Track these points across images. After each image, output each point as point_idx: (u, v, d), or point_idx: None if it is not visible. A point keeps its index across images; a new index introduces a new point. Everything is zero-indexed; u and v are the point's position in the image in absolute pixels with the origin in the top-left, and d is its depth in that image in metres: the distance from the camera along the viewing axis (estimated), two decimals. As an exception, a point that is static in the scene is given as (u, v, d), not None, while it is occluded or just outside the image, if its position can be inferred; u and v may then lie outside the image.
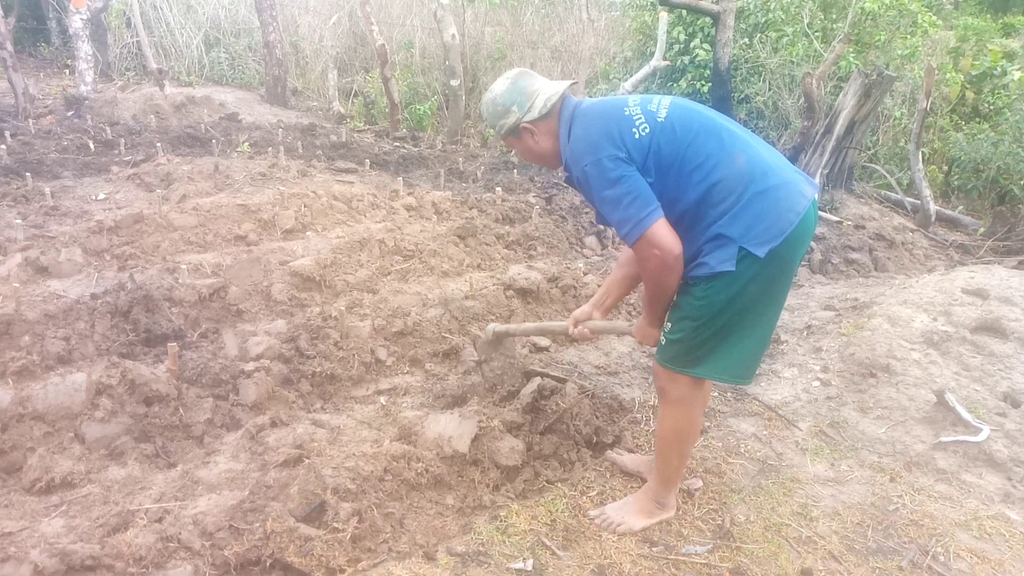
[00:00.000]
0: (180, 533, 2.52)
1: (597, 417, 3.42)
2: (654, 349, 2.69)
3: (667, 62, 9.95)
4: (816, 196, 2.47)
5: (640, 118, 2.41)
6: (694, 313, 2.44)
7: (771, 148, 2.54)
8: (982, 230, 8.18)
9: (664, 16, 9.40)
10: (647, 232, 2.32)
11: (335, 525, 2.60)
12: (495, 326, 3.43)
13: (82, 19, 9.28)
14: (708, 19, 10.06)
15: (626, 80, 9.84)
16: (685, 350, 2.52)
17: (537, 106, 2.54)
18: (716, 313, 2.41)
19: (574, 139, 2.48)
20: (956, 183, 9.43)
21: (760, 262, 2.33)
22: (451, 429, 3.06)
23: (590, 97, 11.90)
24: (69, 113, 8.79)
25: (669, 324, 2.55)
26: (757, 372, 2.67)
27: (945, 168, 9.64)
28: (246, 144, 7.80)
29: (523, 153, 2.69)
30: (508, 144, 2.73)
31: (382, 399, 3.65)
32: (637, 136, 2.38)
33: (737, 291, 2.37)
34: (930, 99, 8.18)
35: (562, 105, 2.57)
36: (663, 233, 2.33)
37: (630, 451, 3.27)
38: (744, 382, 2.66)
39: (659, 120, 2.41)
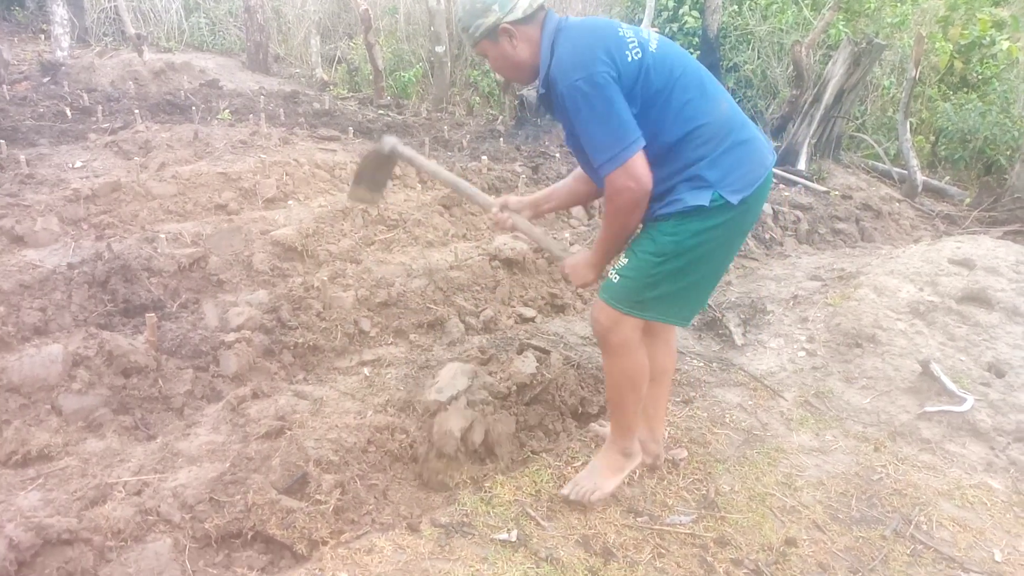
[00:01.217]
0: (159, 506, 2.49)
1: (582, 388, 3.40)
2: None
3: (655, 29, 9.83)
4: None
5: (633, 41, 2.31)
6: (659, 248, 2.38)
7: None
8: (968, 200, 8.19)
9: (653, -18, 9.28)
10: (628, 162, 2.25)
11: (317, 497, 2.58)
12: (397, 144, 2.91)
13: (57, -18, 9.02)
14: (697, -14, 9.94)
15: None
16: (638, 288, 2.44)
17: (521, 6, 2.36)
18: (681, 252, 2.37)
19: (562, 52, 2.31)
20: (943, 153, 9.42)
21: (732, 208, 2.33)
22: (452, 423, 2.95)
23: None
24: (45, 79, 8.58)
25: (625, 260, 2.47)
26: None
27: (932, 138, 9.63)
28: (227, 111, 7.65)
29: (496, 61, 2.50)
30: (480, 51, 2.51)
31: (366, 370, 3.61)
32: (630, 59, 2.28)
33: (706, 232, 2.35)
34: (919, 68, 8.13)
35: (546, 17, 2.43)
36: (642, 166, 2.27)
37: None
38: (685, 324, 2.66)
39: (651, 49, 2.33)
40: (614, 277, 2.49)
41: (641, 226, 2.48)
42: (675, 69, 2.34)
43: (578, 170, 2.78)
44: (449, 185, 2.92)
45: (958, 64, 9.72)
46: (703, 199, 2.30)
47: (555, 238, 2.80)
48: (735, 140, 2.35)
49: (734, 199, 2.31)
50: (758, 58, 9.76)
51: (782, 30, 9.67)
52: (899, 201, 7.80)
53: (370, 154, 3.03)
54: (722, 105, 2.38)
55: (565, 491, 2.74)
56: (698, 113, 2.33)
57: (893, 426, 3.36)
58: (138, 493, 2.58)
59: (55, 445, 2.85)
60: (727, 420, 3.39)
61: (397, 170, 5.96)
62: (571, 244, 4.82)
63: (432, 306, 4.11)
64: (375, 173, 3.09)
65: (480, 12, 2.38)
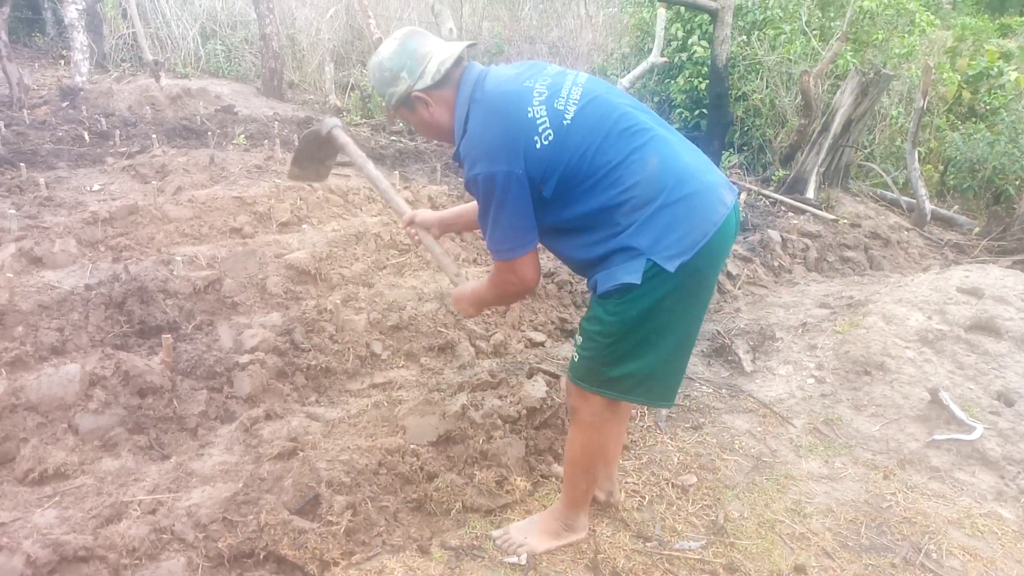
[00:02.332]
0: (173, 525, 2.52)
1: (592, 412, 3.41)
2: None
3: (664, 59, 9.94)
4: (738, 200, 2.30)
5: (544, 122, 2.15)
6: (606, 329, 2.24)
7: (690, 146, 2.30)
8: (977, 230, 8.19)
9: (662, 12, 9.39)
10: (514, 261, 2.24)
11: (329, 518, 2.60)
12: (336, 127, 2.89)
13: (78, 9, 9.22)
14: (706, 16, 10.05)
15: (623, 76, 9.82)
16: (597, 368, 2.31)
17: (430, 71, 2.24)
18: (629, 330, 2.21)
19: (470, 132, 2.20)
20: (952, 183, 9.44)
21: (671, 276, 2.12)
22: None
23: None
24: (64, 104, 8.74)
25: (580, 338, 2.36)
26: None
27: (941, 168, 9.66)
28: (242, 136, 7.77)
29: (418, 128, 2.40)
30: (400, 117, 2.40)
31: (377, 393, 3.64)
32: (539, 145, 2.14)
33: (650, 306, 2.16)
34: (927, 98, 8.18)
35: (463, 76, 2.28)
36: (528, 266, 2.26)
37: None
38: (665, 404, 2.43)
39: (565, 123, 2.15)
40: (575, 356, 2.39)
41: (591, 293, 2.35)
42: (595, 135, 2.16)
43: None
44: (372, 182, 2.87)
45: (966, 94, 9.78)
46: (635, 275, 2.12)
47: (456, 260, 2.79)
48: (668, 199, 2.12)
49: (670, 266, 2.10)
50: (767, 87, 9.84)
51: (790, 60, 9.76)
52: (908, 230, 7.82)
53: (309, 134, 2.97)
54: (651, 161, 2.14)
55: (496, 533, 2.68)
56: (622, 177, 2.14)
57: (902, 454, 3.36)
58: (153, 512, 2.61)
59: (71, 463, 2.89)
60: (736, 446, 3.40)
61: (409, 194, 6.03)
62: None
63: (443, 330, 4.15)
64: (316, 152, 3.04)
65: (390, 81, 2.28)
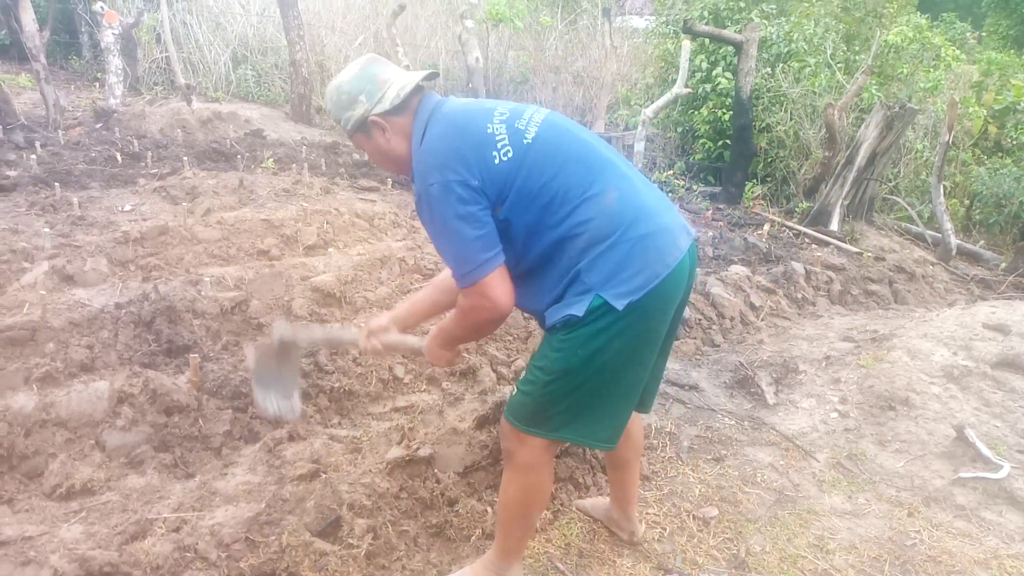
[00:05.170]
0: (197, 543, 2.54)
1: (613, 441, 3.41)
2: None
3: (688, 90, 9.99)
4: (694, 244, 2.23)
5: (503, 139, 2.09)
6: (549, 366, 2.14)
7: (650, 185, 2.25)
8: (1004, 265, 8.12)
9: (687, 44, 9.46)
10: (482, 281, 2.04)
11: (350, 541, 2.62)
12: (282, 330, 2.67)
13: (114, 34, 9.45)
14: (731, 48, 10.12)
15: (647, 107, 9.89)
16: (537, 407, 2.20)
17: (389, 96, 2.17)
18: (573, 369, 2.11)
19: (425, 147, 2.11)
20: (978, 217, 9.38)
21: (619, 315, 2.04)
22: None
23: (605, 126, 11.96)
24: (98, 125, 8.93)
25: (525, 373, 2.26)
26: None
27: (967, 202, 9.60)
28: (270, 160, 7.88)
29: (373, 155, 2.30)
30: (356, 144, 2.31)
31: (399, 417, 3.66)
32: (497, 161, 2.06)
33: (598, 347, 2.07)
34: (952, 133, 8.16)
35: (421, 103, 2.21)
36: (499, 285, 2.06)
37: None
38: (608, 446, 2.30)
39: (525, 142, 2.10)
40: (514, 393, 2.28)
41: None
42: (554, 161, 2.09)
43: (436, 278, 2.59)
44: (331, 345, 2.59)
45: (992, 129, 9.74)
46: (580, 308, 2.05)
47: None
48: (624, 237, 2.05)
49: (619, 304, 2.02)
50: (790, 119, 9.86)
51: (815, 93, 9.78)
52: (933, 264, 7.76)
53: (261, 353, 2.70)
54: (609, 195, 2.08)
55: None
56: (579, 208, 2.06)
57: (927, 491, 3.32)
58: (177, 530, 2.64)
59: (98, 480, 2.94)
60: (758, 479, 3.37)
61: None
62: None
63: (465, 354, 4.17)
64: (278, 367, 2.70)
65: (347, 104, 2.21)
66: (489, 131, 2.10)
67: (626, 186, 2.13)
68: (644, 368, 2.22)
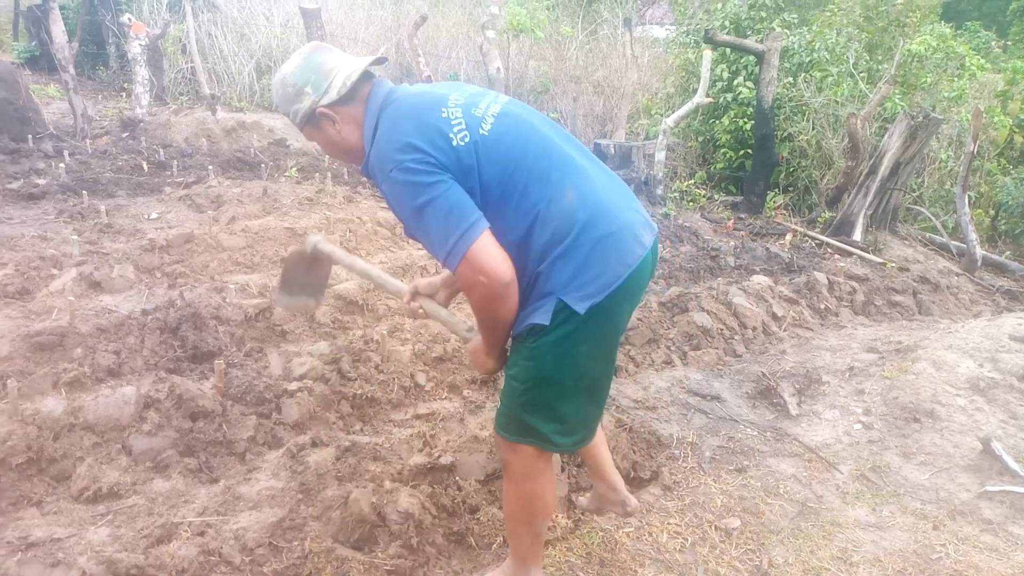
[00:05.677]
0: (221, 547, 2.57)
1: (634, 451, 3.41)
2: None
3: (710, 99, 9.98)
4: (656, 240, 2.18)
5: (459, 123, 2.00)
6: (521, 374, 2.13)
7: (611, 179, 2.17)
8: (1030, 276, 8.02)
9: (708, 54, 9.45)
10: (470, 251, 1.92)
11: (372, 548, 2.63)
12: (319, 241, 2.65)
13: (140, 45, 9.62)
14: (752, 57, 10.09)
15: (668, 116, 9.89)
16: (518, 415, 2.18)
17: (336, 86, 2.09)
18: (545, 376, 2.10)
19: (379, 137, 2.04)
20: (1003, 228, 9.28)
21: (581, 319, 2.01)
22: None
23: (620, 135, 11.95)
24: (124, 135, 9.08)
25: (503, 386, 2.24)
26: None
27: (992, 212, 9.50)
28: (294, 169, 7.97)
29: (326, 147, 2.22)
30: (307, 137, 2.24)
31: (421, 424, 3.68)
32: (455, 143, 1.98)
33: (565, 351, 2.05)
34: (977, 142, 8.08)
35: (372, 91, 2.13)
36: (489, 252, 1.94)
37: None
38: (585, 444, 2.33)
39: (482, 132, 2.02)
40: (499, 405, 2.27)
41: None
42: (512, 151, 2.02)
43: None
44: (365, 277, 2.64)
45: (1018, 138, 9.64)
46: (544, 316, 2.01)
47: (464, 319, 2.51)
48: (582, 237, 1.99)
49: (580, 308, 1.99)
50: (812, 129, 9.81)
51: (837, 102, 9.73)
52: (958, 275, 7.68)
53: (293, 255, 2.75)
54: (568, 193, 2.01)
55: None
56: (537, 204, 2.00)
57: (953, 504, 3.28)
58: (201, 534, 2.67)
59: (124, 483, 2.97)
60: (781, 491, 3.35)
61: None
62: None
63: (486, 364, 4.18)
64: (306, 276, 2.79)
65: (293, 97, 2.13)
66: (444, 115, 2.02)
67: (585, 184, 2.06)
68: (611, 362, 2.24)
